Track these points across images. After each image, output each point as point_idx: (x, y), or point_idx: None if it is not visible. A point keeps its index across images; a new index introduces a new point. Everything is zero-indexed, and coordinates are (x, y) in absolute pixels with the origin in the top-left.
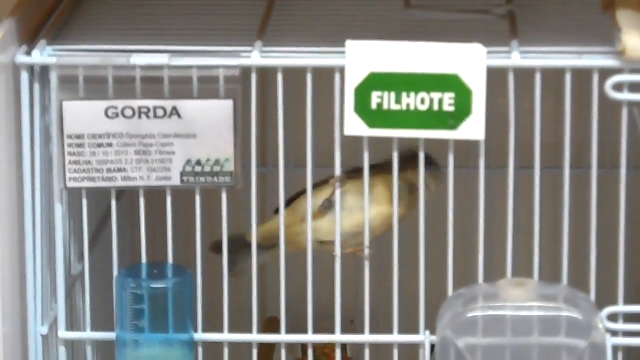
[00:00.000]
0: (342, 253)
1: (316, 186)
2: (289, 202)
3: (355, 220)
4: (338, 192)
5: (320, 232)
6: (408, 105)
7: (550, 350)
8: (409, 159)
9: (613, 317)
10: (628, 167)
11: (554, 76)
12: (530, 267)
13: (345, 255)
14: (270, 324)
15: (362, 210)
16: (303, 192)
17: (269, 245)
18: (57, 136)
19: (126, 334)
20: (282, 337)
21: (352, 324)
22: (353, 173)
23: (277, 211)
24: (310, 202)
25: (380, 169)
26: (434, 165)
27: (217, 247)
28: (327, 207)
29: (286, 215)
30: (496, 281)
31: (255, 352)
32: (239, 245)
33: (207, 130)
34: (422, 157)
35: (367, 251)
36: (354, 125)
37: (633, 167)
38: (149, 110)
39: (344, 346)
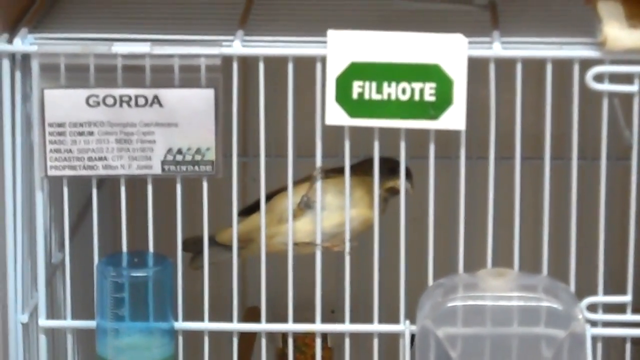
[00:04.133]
0: (320, 247)
1: (295, 183)
2: (266, 199)
3: (334, 220)
4: (319, 184)
5: (296, 234)
6: (389, 94)
7: (529, 340)
8: (385, 167)
9: (592, 308)
10: (608, 158)
11: (535, 67)
12: (510, 257)
13: (324, 248)
14: (251, 314)
15: (341, 210)
16: (278, 191)
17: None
18: (38, 124)
19: (106, 323)
20: (263, 326)
21: (332, 314)
22: (332, 172)
23: (244, 212)
24: (290, 200)
25: (359, 170)
26: (407, 174)
27: (186, 246)
28: (306, 204)
29: (261, 214)
30: (476, 271)
31: (235, 341)
32: (208, 243)
33: (188, 119)
34: (402, 148)
35: (347, 245)
36: (335, 115)
37: (613, 158)
38: (130, 98)
39: (324, 336)
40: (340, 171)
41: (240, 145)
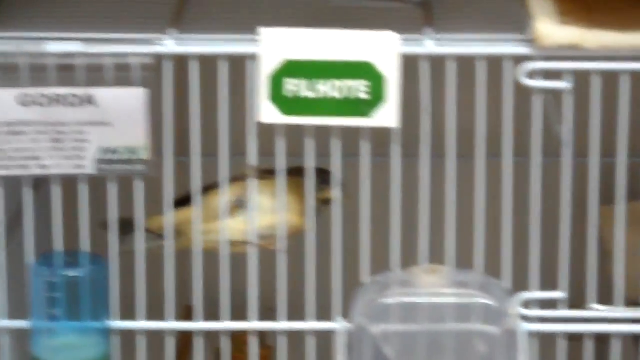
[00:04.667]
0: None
1: (229, 182)
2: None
3: (265, 222)
4: (252, 184)
5: (229, 232)
6: (322, 92)
7: (464, 336)
8: (319, 178)
9: (527, 304)
10: (542, 155)
11: (474, 65)
12: (444, 254)
13: (258, 246)
14: (190, 313)
15: (272, 213)
16: (211, 188)
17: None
18: None
19: (41, 323)
20: (197, 324)
21: (272, 312)
22: (266, 174)
23: (175, 205)
24: (223, 199)
25: (293, 175)
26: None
27: (104, 225)
28: (239, 203)
29: (194, 212)
30: (410, 268)
31: (170, 340)
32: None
33: (121, 118)
34: (336, 146)
35: (281, 243)
36: (269, 113)
37: (549, 155)
38: (63, 98)
39: (264, 335)
40: (274, 173)
41: (178, 144)
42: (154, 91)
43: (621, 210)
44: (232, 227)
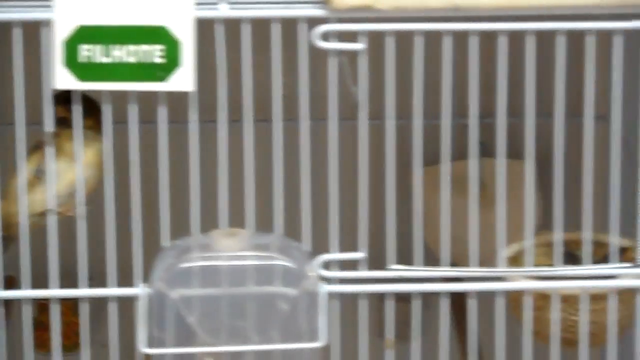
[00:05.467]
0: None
1: (29, 154)
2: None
3: (64, 181)
4: (50, 151)
5: (35, 205)
6: (117, 58)
7: (265, 298)
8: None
9: (327, 265)
10: (340, 117)
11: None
12: (244, 217)
13: (58, 214)
14: (10, 282)
15: (69, 171)
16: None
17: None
18: None
19: None
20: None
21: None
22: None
23: None
24: (22, 173)
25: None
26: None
27: None
28: (40, 175)
29: (3, 205)
30: (210, 232)
31: None
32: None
33: None
34: (133, 112)
35: (81, 209)
36: (64, 79)
37: (344, 117)
38: None
39: (75, 305)
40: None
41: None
42: None
43: (418, 173)
44: (39, 198)
